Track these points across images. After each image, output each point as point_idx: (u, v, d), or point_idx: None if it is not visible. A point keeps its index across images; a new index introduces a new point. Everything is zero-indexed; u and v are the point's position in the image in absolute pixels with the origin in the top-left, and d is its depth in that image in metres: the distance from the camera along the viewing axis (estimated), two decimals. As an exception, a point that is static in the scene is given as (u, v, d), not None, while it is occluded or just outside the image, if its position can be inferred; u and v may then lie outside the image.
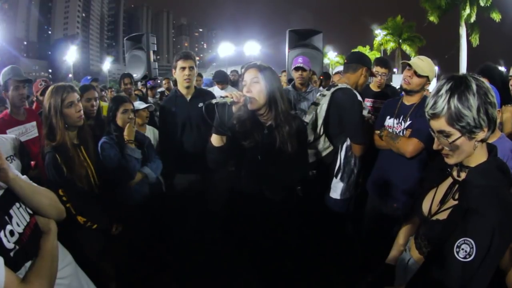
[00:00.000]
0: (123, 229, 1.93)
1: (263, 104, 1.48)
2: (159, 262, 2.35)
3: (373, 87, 3.04)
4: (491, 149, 1.00)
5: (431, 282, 0.92)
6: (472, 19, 18.43)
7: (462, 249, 0.87)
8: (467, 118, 0.90)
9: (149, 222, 2.19)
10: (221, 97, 1.35)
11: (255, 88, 1.45)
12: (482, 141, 0.96)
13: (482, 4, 17.81)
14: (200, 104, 2.43)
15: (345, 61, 2.35)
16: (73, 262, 1.21)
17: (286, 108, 1.53)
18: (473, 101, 0.89)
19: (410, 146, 1.86)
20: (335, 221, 2.28)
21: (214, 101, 1.31)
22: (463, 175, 1.02)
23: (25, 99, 2.34)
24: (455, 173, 1.06)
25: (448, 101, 0.91)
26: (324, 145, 2.13)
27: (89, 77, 4.75)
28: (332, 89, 2.19)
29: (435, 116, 0.94)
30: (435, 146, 1.00)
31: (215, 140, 1.43)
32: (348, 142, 2.13)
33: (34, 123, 2.34)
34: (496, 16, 18.00)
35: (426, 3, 19.95)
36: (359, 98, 2.12)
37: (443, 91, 0.92)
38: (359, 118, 2.09)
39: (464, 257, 0.86)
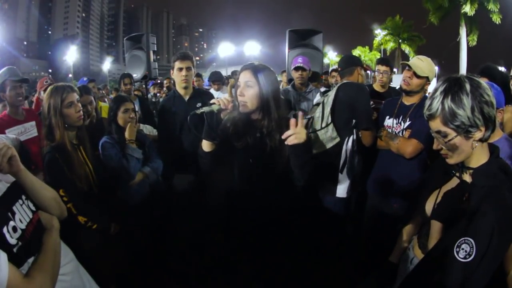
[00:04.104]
0: (123, 229, 1.93)
1: (255, 109, 1.41)
2: (159, 262, 2.35)
3: (377, 87, 2.98)
4: (493, 149, 1.01)
5: (431, 281, 0.92)
6: (472, 12, 17.96)
7: (462, 249, 0.87)
8: (461, 118, 0.92)
9: (149, 222, 2.18)
10: (209, 104, 1.34)
11: (247, 92, 1.37)
12: (482, 141, 0.96)
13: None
14: (199, 104, 2.43)
15: (339, 69, 2.33)
16: (75, 260, 1.21)
17: (280, 114, 1.43)
18: (467, 101, 0.91)
19: (409, 147, 1.87)
20: (335, 221, 2.28)
21: (199, 111, 1.30)
22: (465, 176, 1.03)
23: (23, 98, 2.34)
24: (458, 174, 1.07)
25: (442, 102, 0.93)
26: (332, 134, 2.08)
27: (85, 79, 4.74)
28: (338, 84, 2.20)
29: (431, 116, 0.97)
30: (434, 146, 1.03)
31: (206, 145, 1.43)
32: (354, 136, 2.11)
33: (33, 122, 2.33)
34: (496, 18, 17.86)
35: (428, 3, 19.78)
36: (366, 87, 2.20)
37: (438, 92, 0.95)
38: (369, 104, 2.15)
39: (464, 257, 0.86)
